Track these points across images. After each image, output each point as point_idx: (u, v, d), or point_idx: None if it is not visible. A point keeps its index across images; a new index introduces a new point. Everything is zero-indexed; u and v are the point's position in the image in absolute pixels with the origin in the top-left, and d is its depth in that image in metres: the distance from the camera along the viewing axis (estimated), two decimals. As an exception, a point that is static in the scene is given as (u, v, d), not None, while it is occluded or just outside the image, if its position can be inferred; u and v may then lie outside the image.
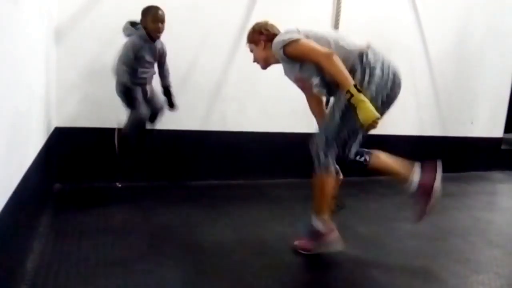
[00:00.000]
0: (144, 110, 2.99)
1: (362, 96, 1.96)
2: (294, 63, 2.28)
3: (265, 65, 2.48)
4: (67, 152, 3.26)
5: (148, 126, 3.16)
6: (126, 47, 2.89)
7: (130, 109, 2.98)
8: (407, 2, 4.49)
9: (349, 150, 2.26)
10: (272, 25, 2.44)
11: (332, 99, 2.28)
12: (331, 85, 2.20)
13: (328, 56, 2.05)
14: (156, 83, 3.20)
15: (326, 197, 2.23)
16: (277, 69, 2.46)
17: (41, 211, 2.52)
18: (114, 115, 3.09)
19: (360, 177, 3.60)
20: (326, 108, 2.44)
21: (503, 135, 5.65)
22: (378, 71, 2.10)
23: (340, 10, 4.06)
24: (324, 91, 2.27)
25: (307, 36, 2.20)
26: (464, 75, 5.08)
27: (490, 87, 5.31)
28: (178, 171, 3.71)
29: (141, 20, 2.92)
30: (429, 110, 4.89)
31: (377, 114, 1.96)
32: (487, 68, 5.22)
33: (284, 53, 2.20)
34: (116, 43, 2.92)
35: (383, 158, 2.34)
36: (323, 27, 4.03)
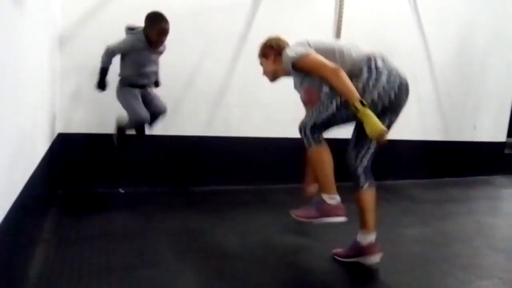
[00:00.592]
0: (143, 112, 2.97)
1: (367, 111, 1.99)
2: (304, 76, 2.33)
3: (273, 78, 2.56)
4: (70, 158, 3.28)
5: (147, 129, 3.16)
6: (125, 41, 2.88)
7: (128, 112, 2.96)
8: (410, 8, 4.51)
9: (361, 161, 2.27)
10: (284, 41, 2.51)
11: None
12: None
13: (335, 71, 2.08)
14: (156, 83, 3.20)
15: (327, 169, 2.17)
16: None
17: (44, 217, 2.52)
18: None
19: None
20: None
21: (506, 139, 5.64)
22: (384, 77, 2.11)
23: (342, 16, 4.08)
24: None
25: (317, 48, 2.23)
26: (467, 80, 5.08)
27: (493, 91, 5.31)
28: (181, 177, 3.72)
29: (144, 27, 2.88)
30: (432, 115, 4.89)
31: (383, 127, 1.97)
32: (490, 73, 5.22)
33: (293, 67, 2.26)
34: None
35: (373, 199, 2.29)
36: (325, 33, 4.09)
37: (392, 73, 2.15)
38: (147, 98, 3.08)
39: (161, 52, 3.05)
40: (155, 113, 3.13)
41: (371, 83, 2.10)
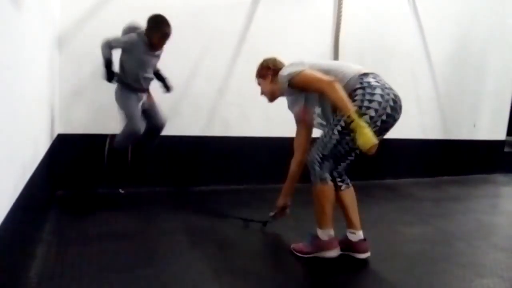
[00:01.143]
0: (139, 124, 2.98)
1: (362, 122, 2.05)
2: (298, 95, 2.42)
3: (272, 98, 2.62)
4: (70, 158, 3.28)
5: (147, 143, 3.19)
6: (129, 37, 2.87)
7: (126, 119, 2.97)
8: (409, 7, 4.51)
9: (338, 166, 2.34)
10: (280, 61, 2.57)
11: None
12: (329, 115, 2.31)
13: (330, 83, 2.13)
14: (154, 88, 3.20)
15: (325, 207, 2.27)
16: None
17: (44, 218, 2.52)
18: (117, 121, 3.10)
19: (363, 181, 3.62)
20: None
21: (506, 137, 5.64)
22: (378, 95, 2.15)
23: (341, 16, 4.08)
24: (324, 123, 2.38)
25: (312, 67, 2.29)
26: (466, 79, 5.08)
27: (492, 90, 5.31)
28: (180, 177, 3.72)
29: (146, 30, 2.90)
30: (431, 113, 4.90)
31: (375, 140, 2.02)
32: (489, 71, 5.22)
33: (290, 85, 2.31)
34: (119, 50, 2.93)
35: (352, 197, 2.40)
36: (324, 33, 4.09)
37: (385, 89, 2.19)
38: (152, 111, 3.11)
39: (158, 56, 3.06)
40: (157, 127, 3.14)
41: (367, 98, 2.14)
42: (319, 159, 2.25)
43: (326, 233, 2.28)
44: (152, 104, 3.13)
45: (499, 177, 5.38)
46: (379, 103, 2.14)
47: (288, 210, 2.73)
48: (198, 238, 2.52)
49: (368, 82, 2.18)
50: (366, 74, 2.23)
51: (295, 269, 2.22)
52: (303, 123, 2.54)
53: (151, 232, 2.60)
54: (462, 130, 5.19)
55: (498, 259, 2.51)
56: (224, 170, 3.86)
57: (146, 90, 3.09)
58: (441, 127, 5.00)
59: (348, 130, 2.13)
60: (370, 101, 2.13)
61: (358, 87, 2.18)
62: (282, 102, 2.63)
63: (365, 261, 2.32)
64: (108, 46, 2.82)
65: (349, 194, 2.38)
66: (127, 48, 2.88)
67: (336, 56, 4.12)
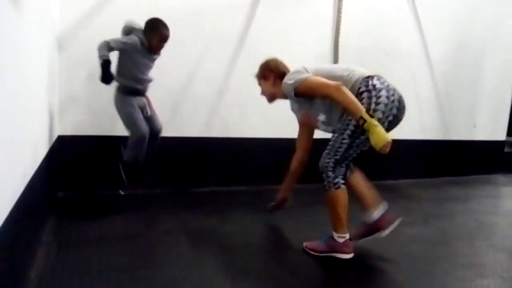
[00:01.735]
0: (144, 125, 2.98)
1: (374, 121, 2.05)
2: (303, 102, 2.42)
3: (271, 100, 2.64)
4: (70, 160, 3.28)
5: (148, 149, 3.15)
6: (130, 38, 2.87)
7: (130, 128, 2.97)
8: (408, 7, 4.51)
9: (349, 165, 2.37)
10: (281, 63, 2.58)
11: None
12: (334, 121, 2.31)
13: (338, 87, 2.13)
14: (154, 89, 3.21)
15: (339, 211, 2.28)
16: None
17: (45, 219, 2.52)
18: (117, 123, 3.10)
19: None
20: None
21: (506, 138, 5.64)
22: (383, 97, 2.16)
23: (341, 16, 4.08)
24: (330, 129, 2.38)
25: (315, 73, 2.29)
26: (466, 79, 5.08)
27: (492, 90, 5.31)
28: (180, 178, 3.72)
29: (145, 33, 2.91)
30: (431, 114, 4.90)
31: (389, 138, 2.03)
32: (489, 71, 5.23)
33: (295, 93, 2.31)
34: (118, 52, 2.93)
35: (360, 180, 2.45)
36: (324, 33, 4.09)
37: (390, 90, 2.20)
38: (151, 118, 3.11)
39: (154, 60, 3.08)
40: (155, 133, 3.14)
41: (373, 100, 2.15)
42: (332, 165, 2.25)
43: (341, 237, 2.30)
44: (151, 111, 3.15)
45: (499, 178, 5.38)
46: (385, 104, 2.15)
47: (287, 204, 2.80)
48: (198, 239, 2.52)
49: (374, 85, 2.18)
50: (370, 77, 2.23)
51: (296, 269, 2.22)
52: (305, 125, 2.58)
53: (151, 233, 2.60)
54: (462, 131, 5.19)
55: (498, 259, 2.51)
56: (224, 171, 3.86)
57: (145, 93, 3.10)
58: (441, 127, 5.00)
59: (358, 133, 2.15)
60: (377, 103, 2.14)
61: (363, 90, 2.18)
62: (282, 103, 2.63)
63: (363, 261, 2.32)
64: (107, 47, 2.82)
65: (355, 178, 2.43)
66: (127, 50, 2.88)
67: (336, 56, 4.12)
